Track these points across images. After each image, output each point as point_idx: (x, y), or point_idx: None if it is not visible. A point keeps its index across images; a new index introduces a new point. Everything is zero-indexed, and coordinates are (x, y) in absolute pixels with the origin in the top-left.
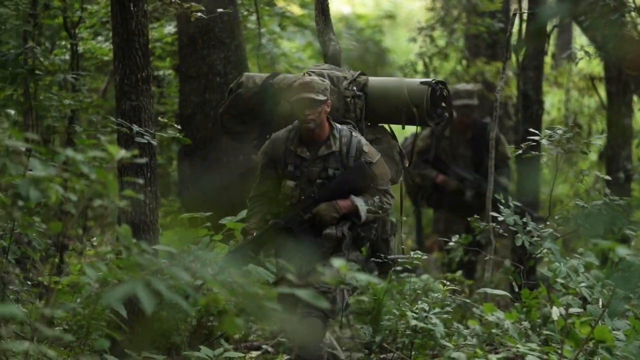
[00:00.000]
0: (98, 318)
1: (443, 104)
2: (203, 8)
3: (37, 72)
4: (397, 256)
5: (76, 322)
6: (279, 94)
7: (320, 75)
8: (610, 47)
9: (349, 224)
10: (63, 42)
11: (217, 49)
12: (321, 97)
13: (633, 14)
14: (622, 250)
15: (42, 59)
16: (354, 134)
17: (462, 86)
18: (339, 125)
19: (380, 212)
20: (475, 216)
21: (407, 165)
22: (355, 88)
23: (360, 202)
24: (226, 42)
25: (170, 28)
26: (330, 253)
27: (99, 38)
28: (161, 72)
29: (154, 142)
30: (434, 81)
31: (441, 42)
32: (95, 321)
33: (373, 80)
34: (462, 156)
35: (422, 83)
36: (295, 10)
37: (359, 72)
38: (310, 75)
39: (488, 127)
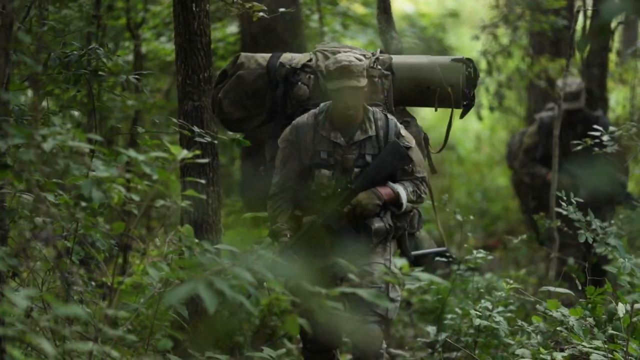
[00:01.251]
0: (161, 318)
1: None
2: (265, 8)
3: (100, 73)
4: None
5: (139, 322)
6: (293, 75)
7: (334, 54)
8: None
9: (389, 213)
10: (126, 43)
11: (279, 49)
12: (362, 83)
13: None
14: None
15: (105, 60)
16: (389, 116)
17: (567, 86)
18: (370, 107)
19: (418, 201)
20: (541, 213)
21: (432, 152)
22: (380, 67)
23: (400, 190)
24: (288, 42)
25: (232, 28)
26: (375, 247)
27: (162, 39)
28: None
29: (215, 142)
30: (465, 58)
31: (504, 40)
32: (158, 321)
33: (398, 58)
34: (574, 152)
35: (454, 60)
36: (358, 8)
37: (378, 49)
38: (318, 54)
39: (600, 121)
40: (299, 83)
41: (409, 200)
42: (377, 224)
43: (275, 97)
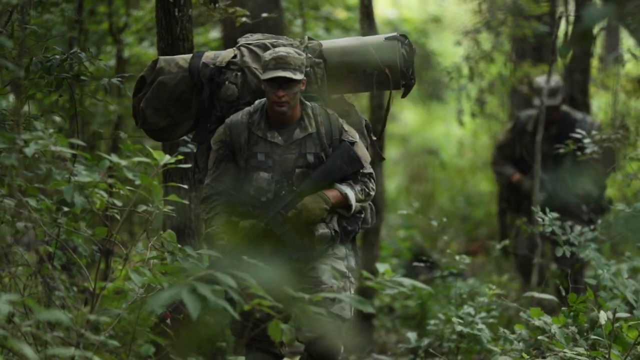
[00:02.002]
0: (143, 324)
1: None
2: (248, 13)
3: (82, 77)
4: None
5: (121, 327)
6: (218, 75)
7: (262, 47)
8: None
9: (336, 217)
10: (109, 48)
11: None
12: (298, 76)
13: None
14: None
15: (87, 65)
16: (329, 110)
17: (544, 82)
18: (308, 102)
19: (367, 199)
20: (524, 218)
21: (374, 139)
22: (310, 55)
23: (348, 190)
24: None
25: (215, 33)
26: (321, 254)
27: (144, 43)
28: None
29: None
30: (399, 35)
31: (487, 46)
32: (140, 327)
33: (328, 43)
34: (546, 154)
35: (388, 39)
36: (340, 13)
37: (306, 36)
38: (243, 49)
39: (577, 124)
40: (226, 82)
41: (357, 200)
42: (322, 229)
43: (201, 100)
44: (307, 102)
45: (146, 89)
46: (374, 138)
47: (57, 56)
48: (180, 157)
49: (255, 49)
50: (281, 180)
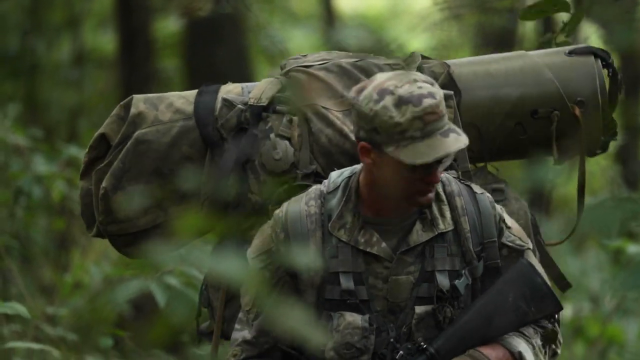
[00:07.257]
0: (103, 317)
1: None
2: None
3: (39, 67)
4: None
5: (80, 320)
6: (256, 122)
7: (337, 72)
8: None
9: None
10: (66, 38)
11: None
12: (464, 139)
13: None
14: (633, 248)
15: (44, 55)
16: (474, 187)
17: None
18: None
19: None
20: None
21: (544, 243)
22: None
23: (522, 346)
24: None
25: (174, 23)
26: None
27: (104, 33)
28: (167, 67)
29: None
30: (597, 48)
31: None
32: (99, 320)
33: (461, 64)
34: None
35: (574, 53)
36: (300, 4)
37: (412, 53)
38: (295, 72)
39: None
40: (271, 135)
41: None
42: None
43: (223, 170)
44: None
45: (111, 156)
46: (545, 242)
47: (14, 47)
48: None
49: (323, 74)
50: (387, 327)
